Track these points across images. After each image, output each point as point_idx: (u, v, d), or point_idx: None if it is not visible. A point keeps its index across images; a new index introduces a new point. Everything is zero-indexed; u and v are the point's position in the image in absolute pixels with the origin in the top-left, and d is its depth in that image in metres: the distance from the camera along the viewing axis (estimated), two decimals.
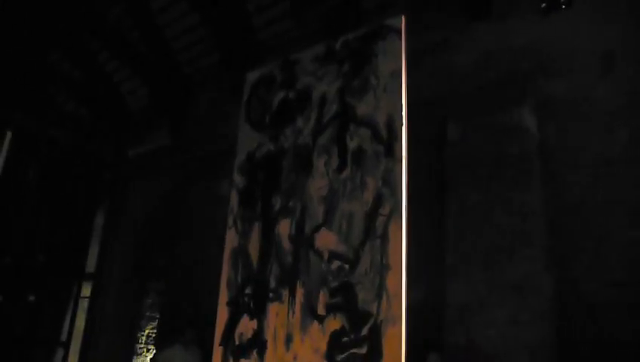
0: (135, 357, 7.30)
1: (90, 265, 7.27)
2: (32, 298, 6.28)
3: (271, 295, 2.92)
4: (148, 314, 7.40)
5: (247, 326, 2.96)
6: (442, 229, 6.89)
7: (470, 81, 6.11)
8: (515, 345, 5.32)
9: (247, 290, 3.04)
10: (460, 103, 6.43)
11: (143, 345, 7.31)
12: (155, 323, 7.27)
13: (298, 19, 6.02)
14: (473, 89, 6.13)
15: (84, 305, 6.95)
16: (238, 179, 3.36)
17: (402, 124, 2.77)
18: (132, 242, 7.66)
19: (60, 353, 6.63)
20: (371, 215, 2.71)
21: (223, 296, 3.14)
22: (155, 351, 7.14)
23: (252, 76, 3.55)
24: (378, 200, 2.72)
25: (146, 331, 7.38)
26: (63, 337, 6.73)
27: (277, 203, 3.08)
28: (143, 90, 7.41)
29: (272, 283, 2.93)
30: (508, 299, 6.18)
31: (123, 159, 7.35)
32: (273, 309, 2.89)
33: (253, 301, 2.99)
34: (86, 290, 7.05)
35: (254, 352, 2.87)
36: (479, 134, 6.90)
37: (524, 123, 5.68)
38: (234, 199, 3.30)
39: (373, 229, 2.69)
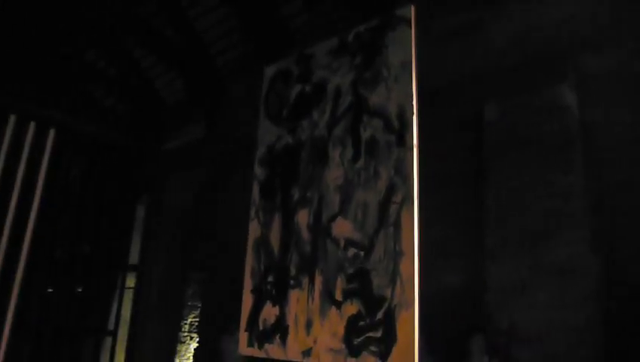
0: (179, 344, 7.75)
1: (134, 256, 7.72)
2: (79, 289, 6.75)
3: (292, 282, 3.17)
4: (190, 303, 7.82)
5: (270, 312, 3.22)
6: (481, 212, 6.96)
7: (506, 60, 6.11)
8: (560, 328, 5.37)
9: (270, 278, 3.30)
10: (496, 83, 6.44)
11: (186, 333, 7.75)
12: (197, 312, 7.69)
13: (319, 8, 6.17)
14: (510, 68, 6.13)
15: (129, 295, 7.39)
16: (259, 171, 3.60)
17: (413, 114, 2.92)
18: (172, 233, 8.09)
19: (108, 341, 7.10)
20: (384, 203, 2.90)
21: (247, 284, 3.41)
22: (198, 339, 7.57)
23: (270, 71, 3.77)
24: (390, 189, 2.90)
25: (189, 319, 7.81)
26: (111, 326, 7.20)
27: (296, 193, 3.31)
28: (177, 84, 7.76)
29: (293, 271, 3.18)
30: (551, 282, 6.22)
31: (161, 152, 7.72)
32: (294, 296, 3.13)
33: (275, 288, 3.24)
34: (130, 281, 7.50)
35: (277, 337, 3.13)
36: (518, 114, 6.91)
37: (564, 101, 5.66)
38: (255, 191, 3.55)
39: (387, 217, 2.87)
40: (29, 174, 6.30)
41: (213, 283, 7.37)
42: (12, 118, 6.41)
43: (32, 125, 6.59)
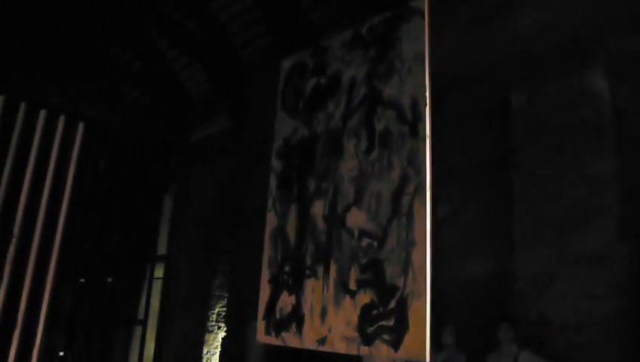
0: (207, 334, 7.99)
1: (162, 247, 7.99)
2: (109, 280, 7.04)
3: (307, 272, 3.29)
4: (217, 293, 8.03)
5: (286, 301, 3.35)
6: (510, 201, 6.95)
7: (534, 45, 6.06)
8: (590, 318, 5.37)
9: (287, 268, 3.43)
10: (523, 69, 6.40)
11: (214, 323, 7.98)
12: (224, 302, 7.90)
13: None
14: (538, 54, 6.08)
15: (158, 285, 7.67)
16: (276, 163, 3.73)
17: (426, 105, 2.99)
18: (199, 224, 8.30)
19: (138, 331, 7.40)
20: (397, 194, 2.98)
21: (265, 274, 3.54)
22: (226, 328, 7.79)
23: (286, 64, 3.88)
24: (403, 180, 2.98)
25: (217, 309, 8.04)
26: (140, 316, 7.49)
27: (311, 185, 3.42)
28: (201, 76, 7.94)
29: (308, 261, 3.29)
30: (581, 272, 6.19)
31: (187, 144, 7.93)
32: (309, 285, 3.25)
33: (291, 278, 3.37)
34: (159, 272, 7.77)
35: (293, 325, 3.26)
36: (546, 101, 6.85)
37: (594, 86, 5.61)
38: (273, 183, 3.68)
39: (400, 207, 2.96)
40: (59, 169, 6.59)
41: (240, 273, 7.56)
42: (42, 113, 6.70)
43: (62, 119, 6.88)
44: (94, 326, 6.73)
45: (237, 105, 7.65)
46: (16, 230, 6.19)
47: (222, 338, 7.80)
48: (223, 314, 7.89)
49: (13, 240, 6.16)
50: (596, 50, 5.57)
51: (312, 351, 3.16)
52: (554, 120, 6.68)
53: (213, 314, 8.00)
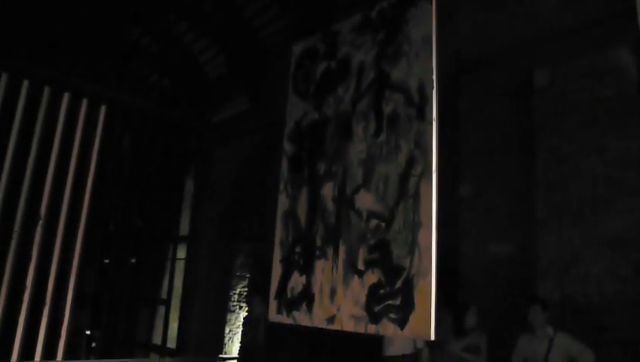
0: (229, 313, 8.24)
1: (184, 228, 8.25)
2: (133, 260, 7.32)
3: (317, 252, 3.43)
4: (238, 273, 8.27)
5: (297, 281, 3.51)
6: (532, 181, 6.96)
7: (557, 22, 6.03)
8: (615, 300, 5.40)
9: (297, 249, 3.58)
10: (546, 47, 6.37)
11: (235, 303, 8.23)
12: (245, 282, 8.14)
13: None
14: (561, 31, 6.05)
15: (180, 266, 7.94)
16: (288, 146, 3.87)
17: (433, 88, 3.08)
18: (220, 205, 8.50)
19: (161, 310, 7.70)
20: (404, 176, 3.09)
21: (277, 255, 3.71)
22: (248, 308, 8.03)
23: (297, 49, 3.99)
24: (410, 162, 3.08)
25: (238, 289, 8.27)
26: (163, 296, 7.79)
27: (322, 167, 3.55)
28: (220, 58, 8.07)
29: (318, 242, 3.44)
30: (605, 253, 6.21)
31: (206, 126, 8.13)
32: (319, 265, 3.40)
33: (302, 258, 3.52)
34: (181, 252, 8.04)
35: (304, 304, 3.42)
36: (570, 79, 6.81)
37: (621, 63, 5.57)
38: (284, 166, 3.82)
39: (406, 189, 3.07)
40: (83, 151, 6.85)
41: (260, 253, 7.77)
42: (66, 96, 6.95)
43: (85, 102, 7.12)
44: (119, 305, 7.03)
45: (255, 86, 7.77)
46: (42, 212, 6.49)
47: (243, 318, 8.05)
48: (245, 294, 8.13)
49: (40, 221, 6.46)
50: (622, 26, 5.53)
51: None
52: (578, 98, 6.65)
53: (235, 293, 8.25)
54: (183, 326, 7.61)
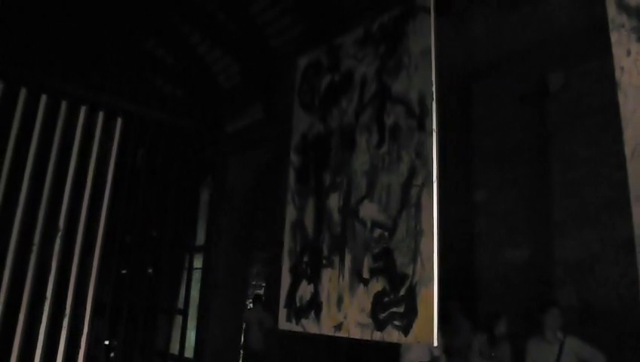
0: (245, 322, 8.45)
1: (200, 238, 8.44)
2: (150, 270, 7.50)
3: (324, 261, 3.60)
4: (254, 282, 8.46)
5: (305, 289, 3.68)
6: (547, 185, 7.05)
7: (571, 25, 6.10)
8: (634, 305, 5.46)
9: (305, 258, 3.75)
10: (560, 51, 6.45)
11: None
12: (261, 291, 8.33)
13: None
14: (575, 34, 6.11)
15: (197, 275, 8.12)
16: (294, 158, 4.05)
17: (433, 99, 3.23)
18: (236, 214, 8.73)
19: (178, 319, 7.88)
20: (406, 186, 3.24)
21: (286, 264, 3.89)
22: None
23: (302, 62, 4.18)
24: (412, 172, 3.23)
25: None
26: (180, 305, 7.98)
27: (327, 178, 3.72)
28: (233, 68, 8.31)
29: (325, 251, 3.60)
30: (624, 257, 6.27)
31: (221, 136, 8.31)
32: (326, 274, 3.56)
33: (310, 267, 3.69)
34: (197, 262, 8.21)
35: (312, 313, 3.58)
36: (584, 82, 6.89)
37: None
38: (291, 177, 4.00)
39: (408, 198, 3.22)
40: (100, 163, 7.09)
41: (276, 262, 7.95)
42: (83, 109, 7.21)
43: (101, 115, 7.37)
44: (136, 316, 7.22)
45: (269, 95, 7.98)
46: (61, 224, 6.73)
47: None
48: None
49: (59, 233, 6.70)
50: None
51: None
52: (592, 101, 6.72)
53: (251, 302, 8.45)
54: (200, 335, 7.79)
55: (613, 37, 1.98)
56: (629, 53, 1.93)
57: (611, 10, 2.03)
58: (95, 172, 7.07)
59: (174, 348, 7.88)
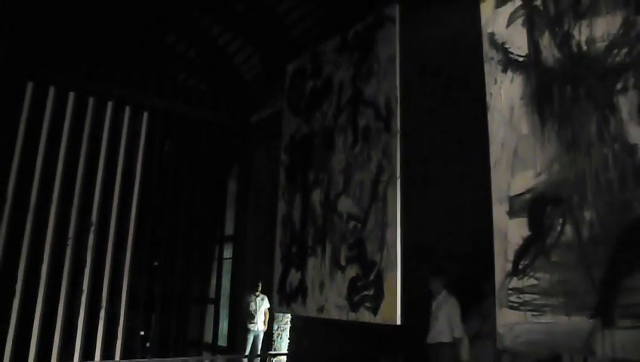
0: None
1: (229, 228, 9.33)
2: (181, 262, 8.44)
3: (309, 251, 4.40)
4: None
5: (294, 276, 4.51)
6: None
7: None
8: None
9: (294, 249, 4.57)
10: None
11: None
12: None
13: None
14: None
15: (227, 265, 9.04)
16: (284, 157, 4.85)
17: (397, 103, 3.95)
18: (262, 204, 9.55)
19: (211, 309, 8.83)
20: (375, 182, 3.98)
21: (277, 254, 4.73)
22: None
23: (290, 68, 4.96)
24: (380, 169, 3.97)
25: None
26: (212, 295, 8.91)
27: (311, 176, 4.50)
28: (255, 59, 9.05)
29: (310, 242, 4.40)
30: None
31: (246, 127, 9.13)
32: (311, 262, 4.36)
33: (297, 257, 4.51)
34: (227, 252, 9.12)
35: (300, 297, 4.41)
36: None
37: None
38: (282, 175, 4.82)
39: (377, 193, 3.96)
40: (128, 158, 8.02)
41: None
42: (109, 105, 8.17)
43: (128, 110, 8.31)
44: (170, 306, 8.18)
45: None
46: (94, 218, 7.72)
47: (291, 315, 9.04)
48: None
49: (92, 228, 7.69)
50: None
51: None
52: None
53: None
54: (232, 324, 8.69)
55: (486, 67, 2.65)
56: (495, 81, 2.62)
57: (485, 45, 2.70)
58: (124, 166, 8.04)
59: (208, 337, 8.85)
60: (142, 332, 8.32)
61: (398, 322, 3.75)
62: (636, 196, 2.15)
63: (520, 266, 2.57)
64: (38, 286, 6.39)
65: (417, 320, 4.43)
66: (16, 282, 6.27)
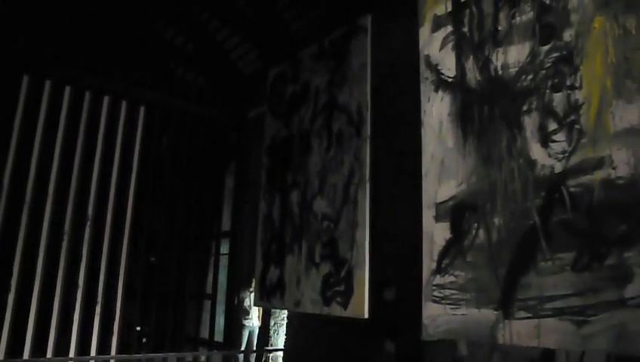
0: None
1: (226, 224, 9.79)
2: (177, 257, 8.93)
3: (287, 249, 4.93)
4: None
5: (273, 273, 5.03)
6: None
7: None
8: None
9: (273, 246, 5.09)
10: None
11: None
12: None
13: None
14: None
15: (224, 261, 9.50)
16: (265, 159, 5.37)
17: (368, 109, 4.44)
18: (258, 199, 10.00)
19: (207, 304, 9.31)
20: (347, 184, 4.48)
21: (259, 252, 5.26)
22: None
23: (272, 73, 5.47)
24: (351, 173, 4.45)
25: None
26: (209, 290, 9.39)
27: (289, 178, 5.01)
28: (252, 54, 9.48)
29: (288, 240, 4.92)
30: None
31: (243, 122, 9.57)
32: (289, 260, 4.87)
33: (276, 254, 5.04)
34: (224, 247, 9.58)
35: (278, 292, 4.95)
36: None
37: None
38: (263, 176, 5.34)
39: (349, 195, 4.46)
40: (125, 153, 8.50)
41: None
42: (106, 99, 8.65)
43: (124, 104, 8.77)
44: (166, 301, 8.66)
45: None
46: (90, 212, 8.20)
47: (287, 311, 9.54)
48: None
49: (88, 222, 8.17)
50: None
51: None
52: None
53: None
54: (229, 320, 9.17)
55: (422, 87, 3.15)
56: (429, 99, 3.12)
57: (422, 66, 3.19)
58: (120, 161, 8.50)
59: (204, 333, 9.35)
60: (138, 328, 8.77)
61: (366, 316, 4.25)
62: (534, 205, 2.65)
63: (442, 265, 3.09)
64: (34, 280, 6.82)
65: (385, 315, 4.89)
66: (11, 276, 6.62)
